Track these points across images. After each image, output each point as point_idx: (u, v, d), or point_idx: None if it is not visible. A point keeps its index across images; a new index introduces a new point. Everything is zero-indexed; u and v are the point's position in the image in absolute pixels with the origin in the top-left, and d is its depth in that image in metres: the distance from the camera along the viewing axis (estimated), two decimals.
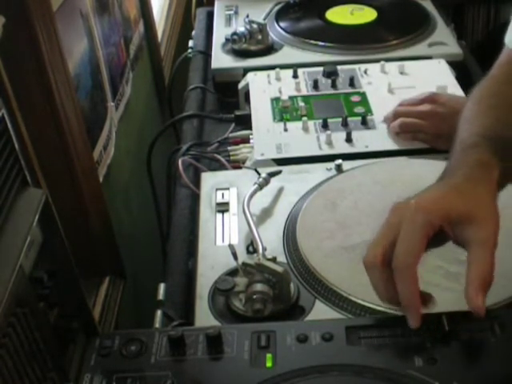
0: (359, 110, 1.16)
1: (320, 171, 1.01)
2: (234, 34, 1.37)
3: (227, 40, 1.41)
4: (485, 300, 0.62)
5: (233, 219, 0.93)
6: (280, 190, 0.98)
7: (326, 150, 1.07)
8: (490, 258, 0.63)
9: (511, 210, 0.88)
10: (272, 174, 0.98)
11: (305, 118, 1.13)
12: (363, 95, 1.20)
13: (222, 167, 1.10)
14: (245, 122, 1.19)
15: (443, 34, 1.40)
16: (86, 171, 0.99)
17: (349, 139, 1.08)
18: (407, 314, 0.65)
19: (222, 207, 0.96)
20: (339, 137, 1.09)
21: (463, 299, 0.73)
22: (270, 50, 1.39)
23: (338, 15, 1.49)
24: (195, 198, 1.04)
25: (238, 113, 1.22)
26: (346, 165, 1.01)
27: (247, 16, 1.43)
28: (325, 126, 1.12)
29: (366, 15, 1.48)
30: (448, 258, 0.80)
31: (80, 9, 1.10)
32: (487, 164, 0.69)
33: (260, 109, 1.19)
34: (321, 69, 1.28)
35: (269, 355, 0.66)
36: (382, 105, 1.16)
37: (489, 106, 0.77)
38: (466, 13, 1.83)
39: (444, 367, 0.63)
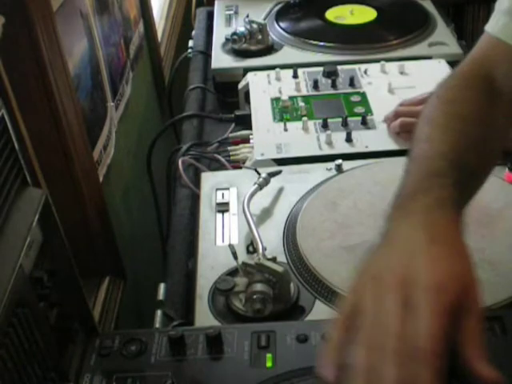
0: (359, 110, 1.16)
1: (320, 171, 1.01)
2: (234, 33, 1.37)
3: (227, 40, 1.41)
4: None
5: (233, 219, 0.93)
6: (280, 190, 0.98)
7: (326, 150, 1.06)
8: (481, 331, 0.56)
9: (511, 210, 0.88)
10: (272, 174, 0.98)
11: (305, 118, 1.13)
12: (363, 95, 1.20)
13: (222, 167, 1.10)
14: (245, 122, 1.19)
15: (443, 34, 1.40)
16: (86, 171, 0.99)
17: (349, 139, 1.08)
18: None
19: (222, 207, 0.96)
20: (339, 137, 1.09)
21: None
22: (270, 50, 1.39)
23: (337, 15, 1.49)
24: (195, 198, 1.04)
25: (237, 113, 1.22)
26: (346, 165, 1.01)
27: (247, 16, 1.43)
28: (325, 126, 1.12)
29: (365, 15, 1.48)
30: None
31: (80, 9, 1.10)
32: (457, 207, 0.63)
33: (260, 109, 1.19)
34: (321, 69, 1.28)
35: (269, 355, 0.66)
36: (382, 105, 1.16)
37: (454, 115, 0.74)
38: (465, 13, 1.83)
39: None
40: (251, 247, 0.87)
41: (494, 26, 0.81)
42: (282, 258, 0.84)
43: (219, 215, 0.95)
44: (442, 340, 0.53)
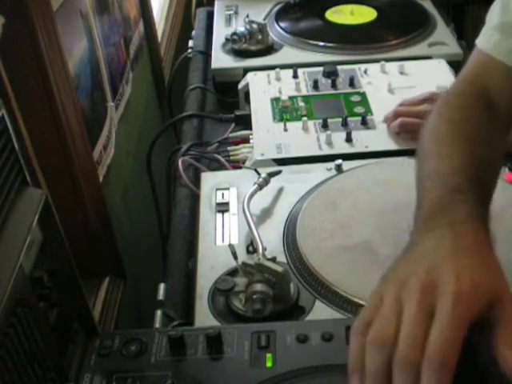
0: (359, 110, 1.16)
1: (320, 171, 1.01)
2: (234, 33, 1.37)
3: (227, 40, 1.41)
4: None
5: (233, 219, 0.93)
6: (280, 190, 0.98)
7: (326, 150, 1.06)
8: None
9: (511, 210, 0.88)
10: (272, 174, 0.98)
11: (305, 118, 1.13)
12: (363, 95, 1.20)
13: (222, 167, 1.10)
14: (245, 122, 1.19)
15: (443, 34, 1.40)
16: (86, 171, 0.99)
17: (349, 139, 1.08)
18: None
19: (222, 207, 0.96)
20: (339, 137, 1.09)
21: None
22: (270, 50, 1.39)
23: (337, 15, 1.49)
24: (195, 198, 1.04)
25: (237, 113, 1.22)
26: (346, 165, 1.01)
27: (247, 16, 1.43)
28: (325, 126, 1.12)
29: (366, 15, 1.48)
30: None
31: (80, 9, 1.10)
32: (482, 221, 0.64)
33: (260, 109, 1.19)
34: (321, 69, 1.28)
35: (269, 355, 0.66)
36: (382, 105, 1.16)
37: (459, 133, 0.75)
38: (465, 13, 1.83)
39: None
40: (251, 247, 0.87)
41: (485, 42, 0.81)
42: (281, 258, 0.84)
43: (219, 215, 0.95)
44: (456, 353, 0.52)
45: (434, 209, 0.65)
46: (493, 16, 0.82)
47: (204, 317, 0.78)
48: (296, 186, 0.98)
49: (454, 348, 0.53)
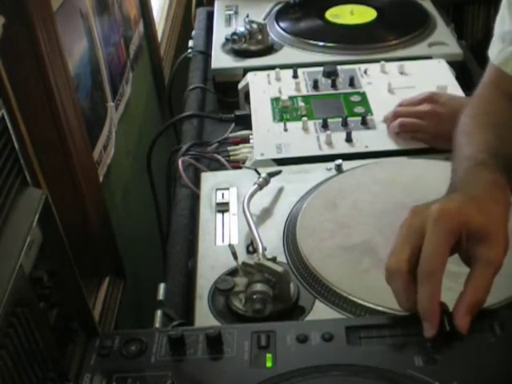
0: (359, 110, 1.16)
1: (320, 171, 1.01)
2: (234, 33, 1.37)
3: (227, 40, 1.41)
4: (470, 321, 0.64)
5: (233, 219, 0.93)
6: (280, 190, 0.98)
7: (326, 150, 1.07)
8: (490, 280, 0.64)
9: (511, 210, 0.88)
10: (272, 174, 0.98)
11: (305, 118, 1.13)
12: (363, 95, 1.20)
13: (222, 167, 1.10)
14: (245, 122, 1.19)
15: (443, 34, 1.40)
16: (85, 171, 0.99)
17: (349, 139, 1.08)
18: (426, 322, 0.64)
19: (222, 207, 0.96)
20: (339, 137, 1.09)
21: None
22: (270, 50, 1.39)
23: (337, 15, 1.49)
24: (195, 198, 1.04)
25: (237, 113, 1.22)
26: (346, 165, 1.01)
27: (247, 16, 1.43)
28: (325, 126, 1.12)
29: (365, 15, 1.48)
30: (449, 258, 0.80)
31: (80, 9, 1.10)
32: (502, 184, 0.69)
33: (260, 109, 1.19)
34: (321, 69, 1.28)
35: (269, 355, 0.66)
36: (382, 105, 1.16)
37: (484, 123, 0.79)
38: (466, 13, 1.83)
39: (444, 367, 0.63)
40: (251, 247, 0.87)
41: (496, 56, 0.87)
42: (281, 258, 0.84)
43: (219, 215, 0.95)
44: (441, 262, 0.63)
45: (461, 179, 0.72)
46: (501, 23, 0.87)
47: (204, 317, 0.78)
48: (296, 185, 0.99)
49: (438, 258, 0.63)
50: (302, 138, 1.10)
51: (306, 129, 1.12)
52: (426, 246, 0.63)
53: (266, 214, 0.94)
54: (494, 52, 0.87)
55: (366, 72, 1.27)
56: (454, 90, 1.18)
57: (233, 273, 0.81)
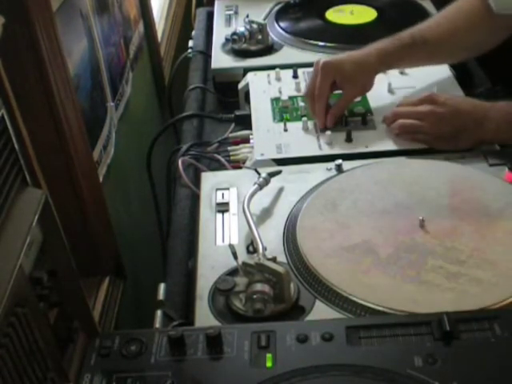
0: (359, 110, 1.16)
1: (320, 171, 1.01)
2: (234, 33, 1.37)
3: (227, 40, 1.41)
4: (334, 121, 1.11)
5: (233, 219, 0.93)
6: (280, 190, 0.98)
7: (326, 150, 1.07)
8: (345, 103, 1.12)
9: (511, 210, 0.88)
10: (272, 174, 0.98)
11: (305, 118, 1.13)
12: (363, 95, 1.20)
13: (222, 167, 1.10)
14: (245, 122, 1.19)
15: None
16: (85, 171, 0.99)
17: (349, 139, 1.08)
18: (318, 120, 1.12)
19: (222, 207, 0.96)
20: (339, 137, 1.09)
21: (464, 299, 0.74)
22: (270, 49, 1.39)
23: (337, 15, 1.49)
24: (195, 198, 1.04)
25: (237, 113, 1.22)
26: (346, 165, 1.01)
27: (247, 16, 1.43)
28: None
29: (365, 15, 1.48)
30: (448, 259, 0.80)
31: (80, 9, 1.10)
32: (384, 52, 1.14)
33: (260, 109, 1.19)
34: None
35: (269, 355, 0.66)
36: (382, 105, 1.16)
37: (442, 15, 1.20)
38: None
39: (444, 367, 0.63)
40: (251, 247, 0.87)
41: None
42: (282, 258, 0.84)
43: (219, 215, 0.95)
44: (324, 89, 1.11)
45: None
46: None
47: (204, 317, 0.78)
48: (296, 185, 0.99)
49: (323, 88, 1.11)
50: (302, 138, 1.10)
51: (305, 129, 1.12)
52: (317, 82, 1.11)
53: (266, 214, 0.94)
54: None
55: None
56: (454, 90, 1.18)
57: (233, 273, 0.81)
